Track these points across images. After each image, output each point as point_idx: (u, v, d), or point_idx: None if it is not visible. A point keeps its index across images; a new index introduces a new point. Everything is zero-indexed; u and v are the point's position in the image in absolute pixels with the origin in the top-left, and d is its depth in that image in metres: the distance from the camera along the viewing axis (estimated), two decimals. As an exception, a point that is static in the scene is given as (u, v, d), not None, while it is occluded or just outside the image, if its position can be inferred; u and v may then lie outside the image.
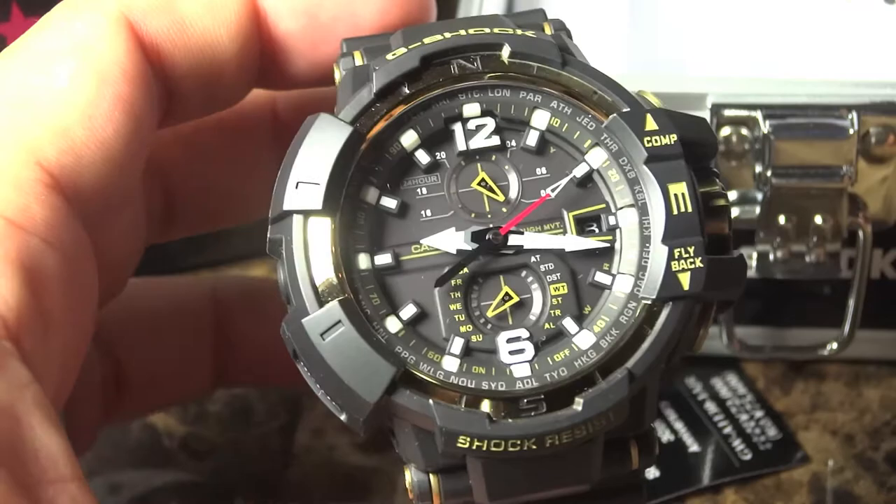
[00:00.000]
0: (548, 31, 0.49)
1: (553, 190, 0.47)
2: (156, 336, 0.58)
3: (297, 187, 0.45)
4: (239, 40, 0.50)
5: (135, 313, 0.58)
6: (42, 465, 0.41)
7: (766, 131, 0.59)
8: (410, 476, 0.45)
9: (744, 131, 0.60)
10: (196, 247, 0.62)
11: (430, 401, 0.43)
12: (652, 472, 0.63)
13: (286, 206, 0.45)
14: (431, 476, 0.45)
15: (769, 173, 0.60)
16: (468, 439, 0.43)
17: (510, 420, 0.43)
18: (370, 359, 0.44)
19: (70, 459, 0.42)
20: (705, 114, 0.60)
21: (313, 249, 0.45)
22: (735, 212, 0.62)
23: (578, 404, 0.43)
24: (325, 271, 0.45)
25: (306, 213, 0.45)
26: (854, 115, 0.59)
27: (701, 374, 0.68)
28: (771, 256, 0.62)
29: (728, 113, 0.60)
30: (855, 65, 0.62)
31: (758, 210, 0.61)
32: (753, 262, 0.63)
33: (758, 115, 0.60)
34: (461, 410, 0.43)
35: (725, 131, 0.60)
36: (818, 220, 0.61)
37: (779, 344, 0.67)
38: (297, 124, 0.47)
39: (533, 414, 0.43)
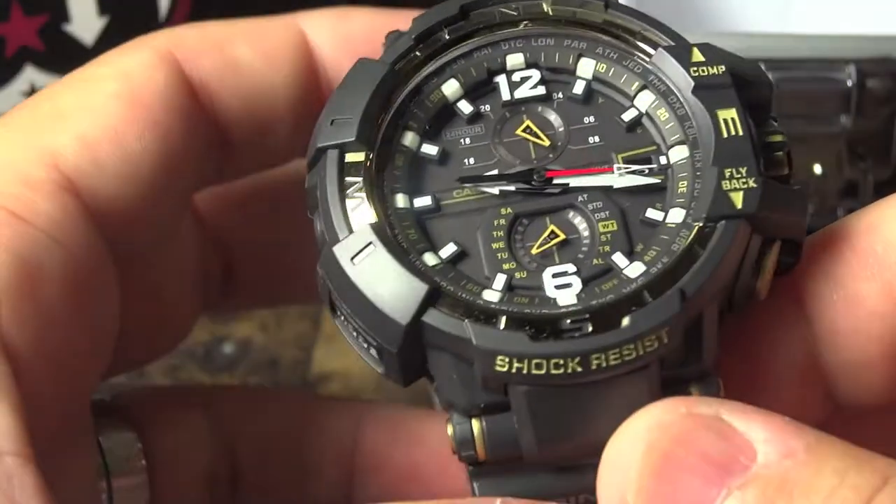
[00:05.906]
0: None
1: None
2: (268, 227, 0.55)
3: (331, 124, 0.44)
4: (296, 87, 0.49)
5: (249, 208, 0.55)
6: None
7: (768, 83, 0.62)
8: (452, 427, 0.42)
9: (747, 84, 0.63)
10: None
11: (466, 321, 0.41)
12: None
13: (320, 143, 0.44)
14: (474, 421, 0.42)
15: (771, 122, 0.62)
16: (507, 360, 0.40)
17: (552, 339, 0.40)
18: (402, 277, 0.41)
19: (16, 434, 0.40)
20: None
21: (348, 179, 0.43)
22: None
23: (626, 321, 0.40)
24: (358, 200, 0.43)
25: (341, 147, 0.43)
26: (852, 68, 0.62)
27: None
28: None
29: (732, 66, 0.62)
30: (854, 21, 0.64)
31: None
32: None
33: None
34: (500, 330, 0.41)
35: (729, 84, 0.63)
36: (817, 169, 0.63)
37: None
38: None
39: (577, 335, 0.40)
